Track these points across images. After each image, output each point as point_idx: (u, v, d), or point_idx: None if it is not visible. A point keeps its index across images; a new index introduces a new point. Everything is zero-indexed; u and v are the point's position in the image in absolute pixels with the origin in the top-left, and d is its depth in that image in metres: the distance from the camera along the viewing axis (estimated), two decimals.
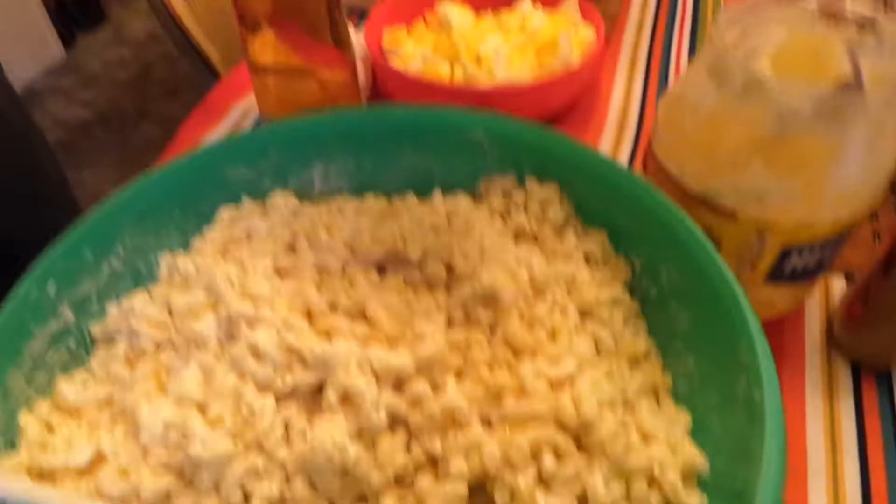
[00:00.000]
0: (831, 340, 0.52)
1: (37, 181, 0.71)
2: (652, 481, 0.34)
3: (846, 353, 0.51)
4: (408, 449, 0.35)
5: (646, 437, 0.36)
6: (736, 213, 0.41)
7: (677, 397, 0.39)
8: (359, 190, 0.46)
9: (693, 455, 0.35)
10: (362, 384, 0.33)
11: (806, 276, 0.46)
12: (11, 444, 0.33)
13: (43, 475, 0.31)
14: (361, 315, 0.36)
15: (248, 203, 0.44)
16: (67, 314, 0.37)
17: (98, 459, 0.33)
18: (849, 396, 0.50)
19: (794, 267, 0.44)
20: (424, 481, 0.34)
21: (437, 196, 0.43)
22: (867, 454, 0.47)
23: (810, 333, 0.53)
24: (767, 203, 0.40)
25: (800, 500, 0.45)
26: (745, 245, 0.42)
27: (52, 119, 1.85)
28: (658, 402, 0.39)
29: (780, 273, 0.44)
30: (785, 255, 0.43)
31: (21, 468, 0.31)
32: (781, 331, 0.52)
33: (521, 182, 0.45)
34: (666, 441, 0.36)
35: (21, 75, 1.90)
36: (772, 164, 0.38)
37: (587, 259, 0.42)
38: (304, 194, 0.45)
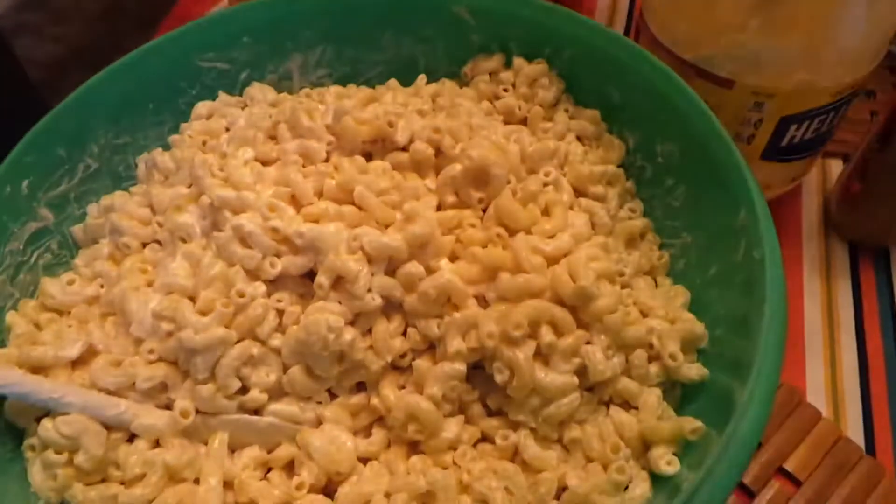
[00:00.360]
0: (829, 222, 0.52)
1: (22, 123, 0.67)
2: (652, 354, 0.34)
3: (844, 234, 0.51)
4: (404, 335, 0.35)
5: (644, 312, 0.35)
6: (733, 81, 0.39)
7: (674, 277, 0.39)
8: (341, 83, 0.44)
9: (692, 324, 0.34)
10: (354, 265, 0.32)
11: (804, 150, 0.44)
12: (0, 343, 0.33)
13: (34, 370, 0.30)
14: (349, 201, 0.35)
15: (224, 97, 0.42)
16: (46, 214, 0.36)
17: (89, 353, 0.32)
18: (846, 276, 0.50)
19: (793, 139, 0.43)
20: (422, 364, 0.34)
21: (422, 79, 0.41)
22: (864, 332, 0.47)
23: (807, 215, 0.52)
24: (765, 68, 0.38)
25: (797, 378, 0.46)
26: (742, 117, 0.41)
27: (24, 58, 1.79)
28: (655, 282, 0.39)
29: (777, 148, 0.43)
30: (783, 125, 0.41)
31: (11, 361, 0.30)
32: (778, 213, 0.51)
33: (508, 64, 0.43)
34: (665, 314, 0.35)
35: None
36: (770, 24, 0.36)
37: (579, 139, 0.41)
38: (284, 88, 0.44)
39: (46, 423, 0.29)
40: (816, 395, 0.45)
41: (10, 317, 0.33)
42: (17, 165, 0.34)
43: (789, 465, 0.42)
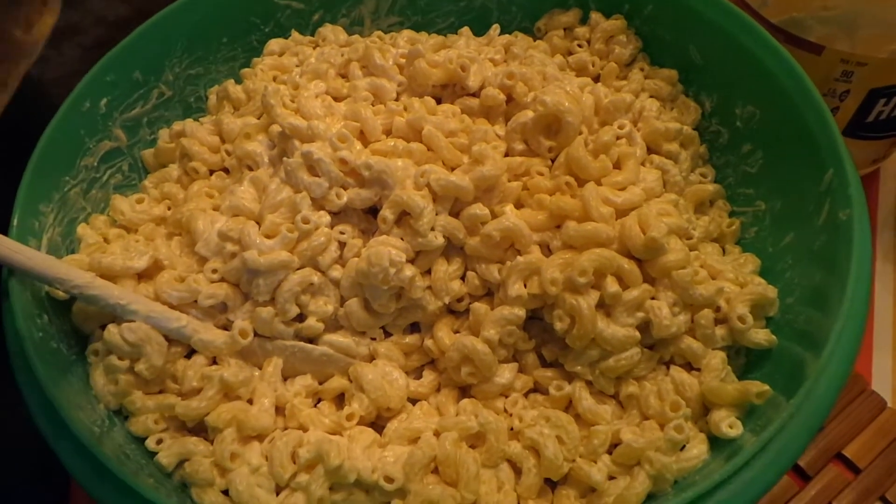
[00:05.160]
0: None
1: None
2: (718, 317, 0.33)
3: None
4: (462, 280, 0.34)
5: (713, 275, 0.34)
6: (823, 46, 0.37)
7: (744, 245, 0.38)
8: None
9: (764, 289, 0.33)
10: (420, 200, 0.32)
11: (890, 128, 0.42)
12: (71, 252, 0.33)
13: (103, 277, 0.31)
14: (417, 140, 0.35)
15: (296, 36, 0.42)
16: (120, 134, 0.37)
17: (155, 268, 0.32)
18: None
19: (879, 115, 0.41)
20: (480, 307, 0.33)
21: (495, 29, 0.41)
22: None
23: (884, 201, 0.50)
24: (858, 34, 0.36)
25: (863, 366, 0.44)
26: (827, 87, 0.39)
27: (94, 17, 1.84)
28: (723, 250, 0.38)
29: (861, 123, 0.41)
30: (871, 98, 0.39)
31: (82, 266, 0.31)
32: None
33: (584, 20, 0.42)
34: (734, 278, 0.34)
35: None
36: None
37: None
38: (355, 34, 0.43)
39: (112, 329, 0.30)
40: (882, 385, 0.43)
41: (82, 228, 0.34)
42: (97, 82, 0.35)
43: (848, 452, 0.40)
